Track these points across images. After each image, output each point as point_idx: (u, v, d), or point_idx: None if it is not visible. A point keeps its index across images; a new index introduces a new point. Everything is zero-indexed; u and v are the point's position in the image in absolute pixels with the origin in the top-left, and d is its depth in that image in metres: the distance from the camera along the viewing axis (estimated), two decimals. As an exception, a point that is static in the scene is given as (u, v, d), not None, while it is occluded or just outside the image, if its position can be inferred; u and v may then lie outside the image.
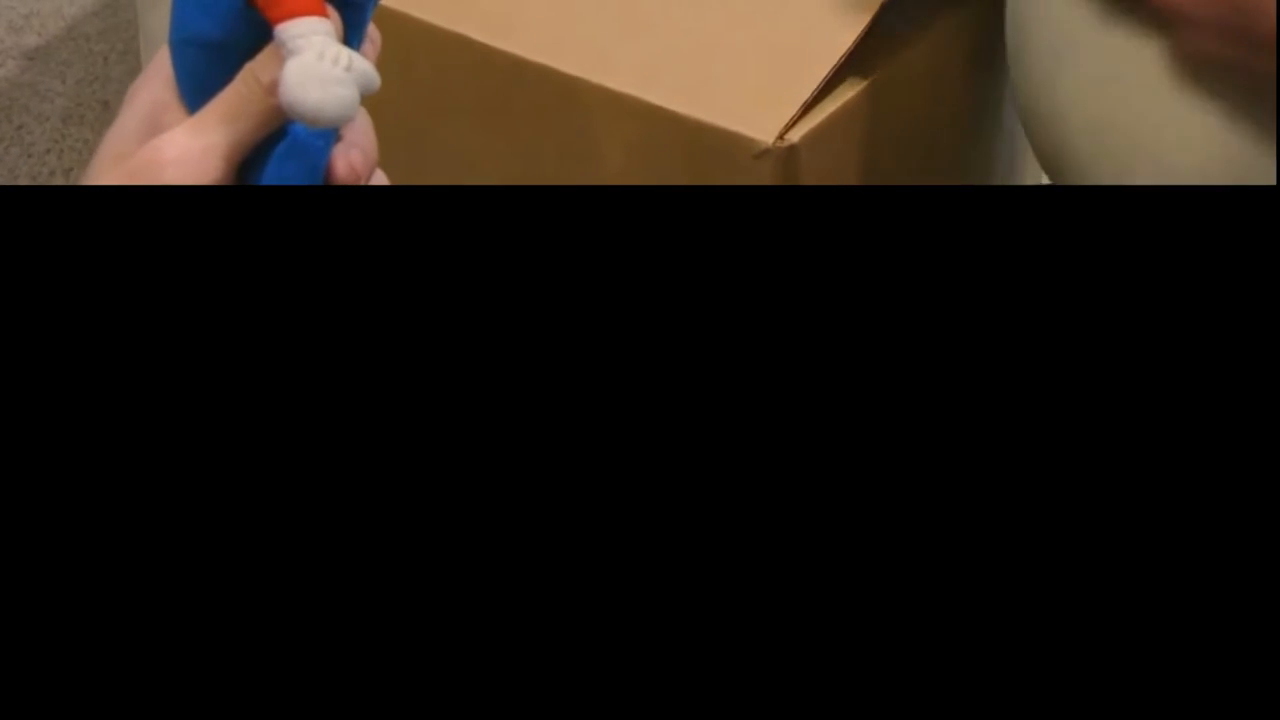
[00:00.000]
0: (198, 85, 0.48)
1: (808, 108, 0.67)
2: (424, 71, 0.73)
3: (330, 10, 0.46)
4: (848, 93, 0.68)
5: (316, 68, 0.44)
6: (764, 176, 0.67)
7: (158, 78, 0.49)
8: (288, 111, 0.45)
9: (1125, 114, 0.63)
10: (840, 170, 0.71)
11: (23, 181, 1.37)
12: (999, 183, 0.83)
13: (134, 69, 1.40)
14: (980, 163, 0.84)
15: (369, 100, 0.50)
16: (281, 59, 0.45)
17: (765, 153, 0.66)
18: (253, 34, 0.47)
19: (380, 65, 0.46)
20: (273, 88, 0.45)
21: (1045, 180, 0.73)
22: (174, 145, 0.47)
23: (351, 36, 0.47)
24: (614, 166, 0.71)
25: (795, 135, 0.66)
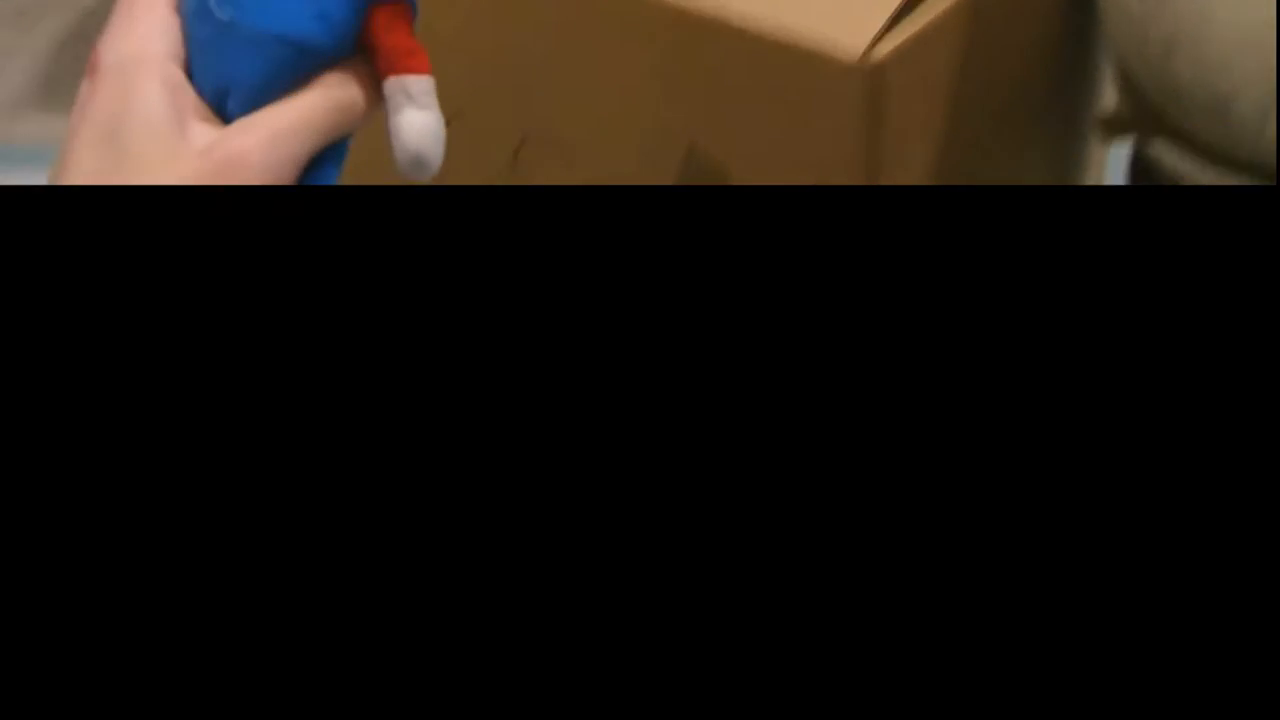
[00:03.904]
0: (260, 82, 0.47)
1: (893, 23, 0.65)
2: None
3: None
4: (937, 8, 0.66)
5: (440, 128, 0.47)
6: (851, 96, 0.65)
7: (161, 43, 0.47)
8: (404, 161, 0.47)
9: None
10: (928, 91, 0.69)
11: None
12: (1088, 114, 0.81)
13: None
14: (1072, 92, 0.82)
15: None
16: (396, 106, 0.47)
17: (851, 70, 0.64)
18: (345, 52, 0.48)
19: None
20: (361, 114, 0.48)
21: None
22: (260, 151, 0.46)
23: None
24: (695, 90, 0.69)
25: (881, 52, 0.64)
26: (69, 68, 1.37)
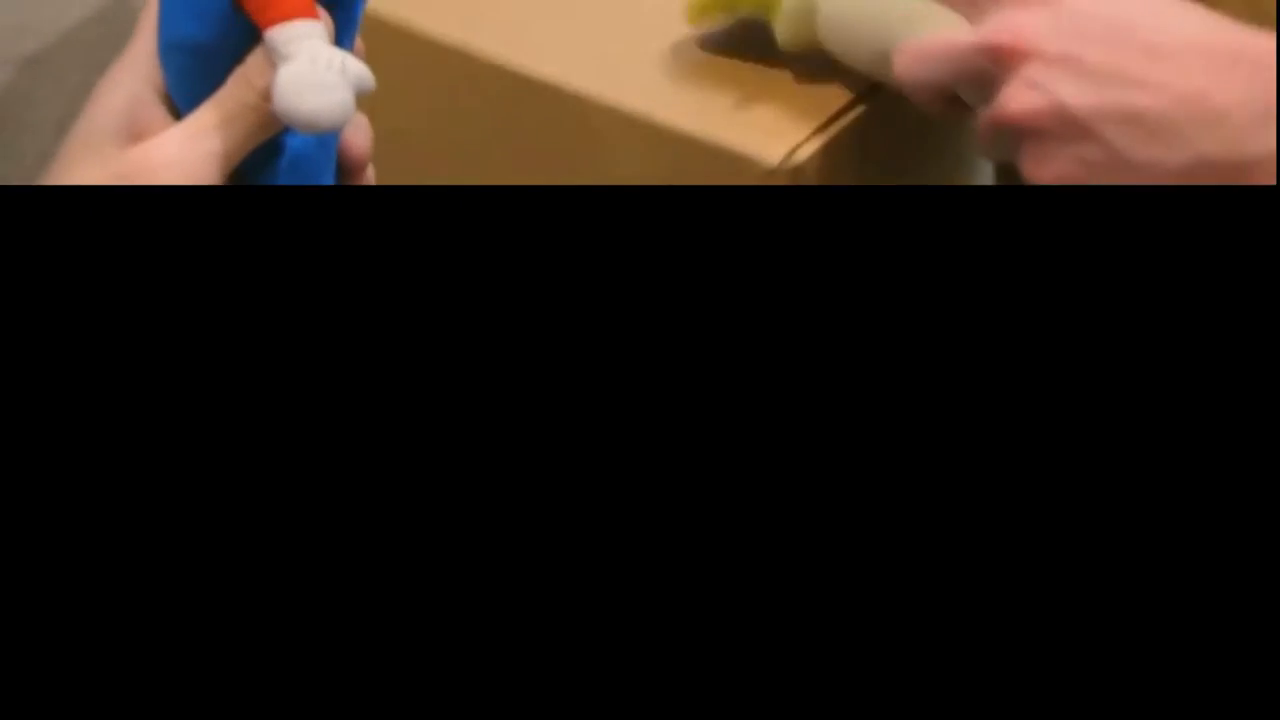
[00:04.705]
0: (188, 90, 0.47)
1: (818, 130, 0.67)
2: (428, 87, 0.73)
3: (320, 11, 0.45)
4: (855, 111, 0.68)
5: (310, 74, 0.43)
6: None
7: (134, 73, 0.47)
8: (282, 119, 0.44)
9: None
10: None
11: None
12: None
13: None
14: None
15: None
16: (273, 64, 0.44)
17: (772, 173, 0.66)
18: (243, 37, 0.45)
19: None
20: (266, 93, 0.44)
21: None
22: (166, 149, 0.45)
23: (343, 36, 0.46)
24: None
25: (802, 155, 0.66)
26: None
